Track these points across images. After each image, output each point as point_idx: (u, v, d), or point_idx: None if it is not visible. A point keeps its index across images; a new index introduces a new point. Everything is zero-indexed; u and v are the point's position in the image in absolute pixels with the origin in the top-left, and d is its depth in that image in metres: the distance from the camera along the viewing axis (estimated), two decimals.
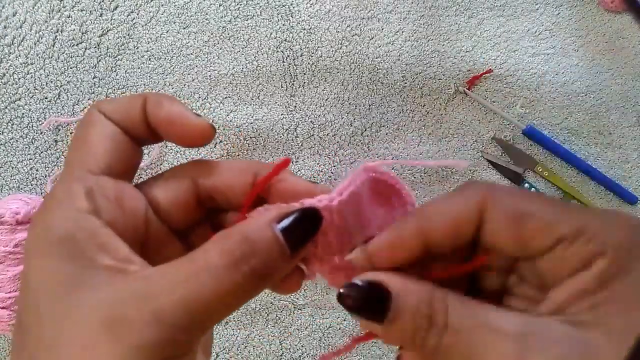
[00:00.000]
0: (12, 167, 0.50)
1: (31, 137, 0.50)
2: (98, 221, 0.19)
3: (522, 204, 0.19)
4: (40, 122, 0.50)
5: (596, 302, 0.18)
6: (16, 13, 0.50)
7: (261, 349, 0.52)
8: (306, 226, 0.20)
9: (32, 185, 0.50)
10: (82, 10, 0.51)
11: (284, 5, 0.53)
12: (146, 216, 0.22)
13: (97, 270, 0.18)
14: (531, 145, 0.55)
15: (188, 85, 0.51)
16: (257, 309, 0.52)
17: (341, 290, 0.20)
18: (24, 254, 0.20)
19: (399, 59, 0.53)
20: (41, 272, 0.18)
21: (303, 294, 0.52)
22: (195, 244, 0.21)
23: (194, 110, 0.22)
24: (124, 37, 0.51)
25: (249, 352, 0.52)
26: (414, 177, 0.54)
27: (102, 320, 0.17)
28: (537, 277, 0.20)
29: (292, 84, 0.52)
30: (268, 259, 0.19)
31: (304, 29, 0.53)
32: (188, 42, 0.52)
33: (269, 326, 0.52)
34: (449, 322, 0.19)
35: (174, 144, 0.51)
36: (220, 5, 0.52)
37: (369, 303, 0.20)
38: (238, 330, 0.52)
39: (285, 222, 0.20)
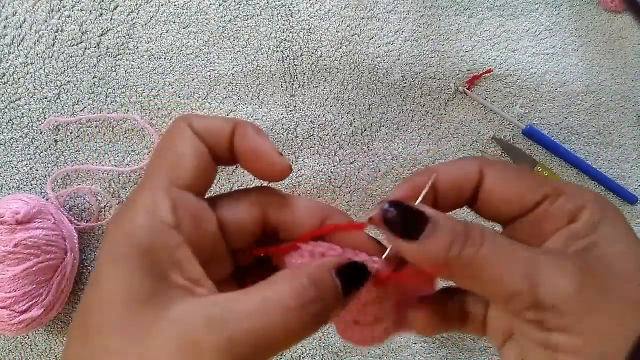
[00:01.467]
0: (12, 167, 0.50)
1: (31, 137, 0.50)
2: (179, 237, 0.20)
3: (514, 171, 0.23)
4: (40, 122, 0.50)
5: (591, 242, 0.21)
6: (16, 13, 0.50)
7: None
8: (358, 277, 0.22)
9: (32, 185, 0.50)
10: (82, 10, 0.51)
11: (284, 5, 0.53)
12: (215, 237, 0.22)
13: (171, 289, 0.19)
14: (531, 145, 0.55)
15: (188, 85, 0.51)
16: None
17: (385, 207, 0.22)
18: (99, 254, 0.20)
19: (399, 59, 0.53)
20: (116, 278, 0.18)
21: None
22: (241, 265, 0.24)
23: (278, 150, 0.23)
24: (124, 37, 0.51)
25: None
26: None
27: (179, 343, 0.17)
28: (531, 235, 0.23)
29: (292, 84, 0.52)
30: (330, 304, 0.20)
31: (304, 29, 0.53)
32: (188, 42, 0.52)
33: None
34: (486, 235, 0.21)
35: None
36: (220, 5, 0.52)
37: (409, 220, 0.21)
38: None
39: (343, 271, 0.21)
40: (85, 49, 0.50)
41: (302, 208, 0.24)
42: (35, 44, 0.50)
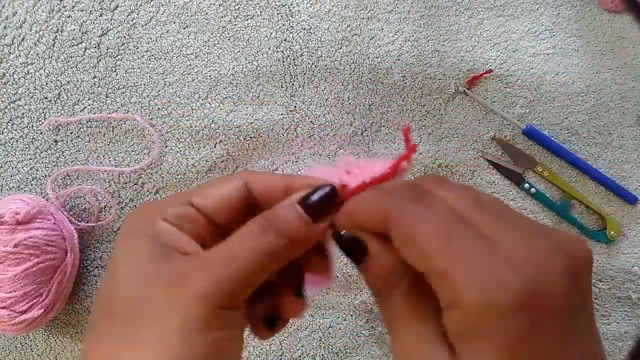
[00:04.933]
0: (12, 167, 0.50)
1: (31, 137, 0.50)
2: (180, 232, 0.25)
3: (411, 229, 0.21)
4: (40, 122, 0.50)
5: (456, 345, 0.20)
6: (16, 13, 0.50)
7: (261, 349, 0.52)
8: (323, 198, 0.25)
9: (32, 185, 0.50)
10: (82, 10, 0.51)
11: (284, 5, 0.53)
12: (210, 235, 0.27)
13: (174, 253, 0.24)
14: (531, 145, 0.55)
15: (188, 85, 0.51)
16: None
17: (341, 233, 0.25)
18: (119, 234, 0.25)
19: (399, 59, 0.53)
20: (134, 247, 0.24)
21: None
22: None
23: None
24: (124, 37, 0.51)
25: (249, 352, 0.52)
26: (414, 178, 0.54)
27: (170, 280, 0.22)
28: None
29: (292, 84, 0.52)
30: (291, 224, 0.23)
31: (304, 29, 0.53)
32: (188, 42, 0.52)
33: None
34: (391, 297, 0.23)
35: (173, 144, 0.51)
36: (220, 5, 0.52)
37: (351, 251, 0.25)
38: None
39: (306, 199, 0.24)
40: (85, 49, 0.50)
41: (273, 177, 0.27)
42: (35, 44, 0.50)
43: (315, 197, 0.24)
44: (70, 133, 0.50)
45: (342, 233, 0.25)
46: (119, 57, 0.51)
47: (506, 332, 0.18)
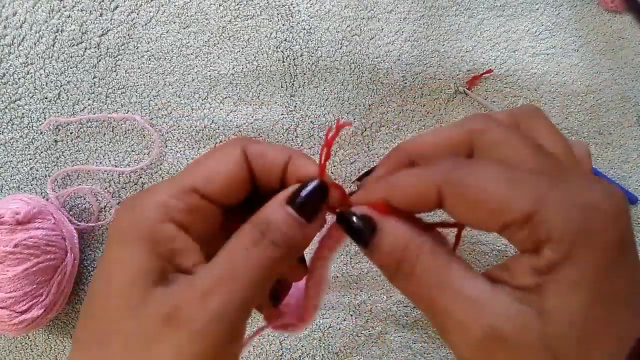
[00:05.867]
0: (12, 167, 0.50)
1: (31, 137, 0.50)
2: (181, 232, 0.22)
3: (476, 185, 0.20)
4: (40, 122, 0.50)
5: (542, 283, 0.19)
6: (16, 13, 0.50)
7: (261, 349, 0.52)
8: (314, 194, 0.23)
9: (32, 185, 0.50)
10: (82, 10, 0.51)
11: (284, 5, 0.53)
12: (215, 225, 0.24)
13: (170, 271, 0.21)
14: None
15: (188, 85, 0.51)
16: None
17: (347, 212, 0.23)
18: (108, 239, 0.22)
19: (399, 59, 0.53)
20: (124, 260, 0.21)
21: None
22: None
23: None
24: (124, 37, 0.51)
25: (249, 352, 0.52)
26: None
27: (165, 312, 0.20)
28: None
29: (292, 84, 0.52)
30: (285, 230, 0.22)
31: (304, 29, 0.53)
32: (188, 42, 0.52)
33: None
34: (415, 272, 0.21)
35: (173, 144, 0.51)
36: (220, 5, 0.52)
37: (357, 230, 0.23)
38: None
39: (295, 197, 0.22)
40: (85, 49, 0.50)
41: (272, 151, 0.24)
42: (35, 44, 0.50)
43: (304, 194, 0.22)
44: (70, 133, 0.50)
45: (348, 212, 0.23)
46: (119, 57, 0.51)
47: (602, 251, 0.18)
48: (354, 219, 0.23)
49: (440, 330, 0.21)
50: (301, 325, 0.26)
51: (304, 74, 0.53)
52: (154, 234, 0.21)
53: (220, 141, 0.52)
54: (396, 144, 0.53)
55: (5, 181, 0.50)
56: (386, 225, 0.22)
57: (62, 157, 0.50)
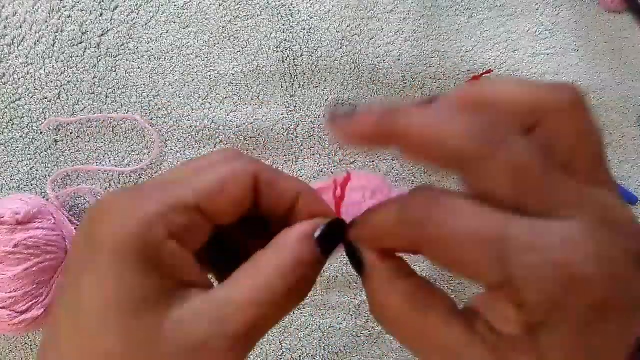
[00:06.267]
0: (12, 167, 0.50)
1: (31, 137, 0.50)
2: (174, 244, 0.19)
3: (449, 240, 0.18)
4: (40, 122, 0.50)
5: (519, 340, 0.18)
6: (16, 13, 0.50)
7: (261, 348, 0.52)
8: (337, 234, 0.22)
9: (32, 185, 0.50)
10: (82, 10, 0.51)
11: (284, 5, 0.53)
12: (206, 237, 0.22)
13: (168, 290, 0.19)
14: None
15: (188, 85, 0.51)
16: None
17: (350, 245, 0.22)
18: (78, 253, 0.19)
19: (399, 59, 0.53)
20: (108, 279, 0.17)
21: None
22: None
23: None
24: (124, 37, 0.51)
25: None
26: (414, 177, 0.54)
27: (186, 345, 0.17)
28: None
29: (292, 84, 0.52)
30: (315, 271, 0.21)
31: (304, 29, 0.53)
32: (188, 42, 0.52)
33: None
34: (393, 315, 0.20)
35: (173, 144, 0.51)
36: (220, 5, 0.52)
37: (353, 262, 0.22)
38: None
39: (323, 235, 0.22)
40: (85, 49, 0.50)
41: (284, 183, 0.23)
42: (35, 44, 0.50)
43: (328, 233, 0.22)
44: (70, 133, 0.50)
45: (355, 246, 0.22)
46: (119, 57, 0.51)
47: (576, 317, 0.17)
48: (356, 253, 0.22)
49: None
50: None
51: (304, 74, 0.53)
52: (154, 249, 0.18)
53: (220, 141, 0.52)
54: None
55: (5, 181, 0.50)
56: (369, 262, 0.21)
57: (62, 157, 0.50)
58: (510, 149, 0.17)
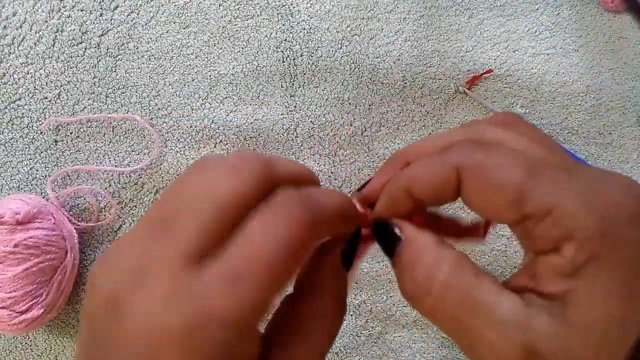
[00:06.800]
0: (12, 167, 0.50)
1: (31, 137, 0.50)
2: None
3: (495, 173, 0.19)
4: (40, 122, 0.50)
5: (570, 289, 0.17)
6: (16, 13, 0.50)
7: None
8: (354, 245, 0.23)
9: (32, 185, 0.50)
10: (82, 10, 0.51)
11: (284, 5, 0.53)
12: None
13: None
14: None
15: (188, 85, 0.51)
16: None
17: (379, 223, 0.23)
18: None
19: (399, 59, 0.53)
20: None
21: None
22: None
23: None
24: (124, 37, 0.51)
25: None
26: None
27: None
28: (526, 242, 0.20)
29: (292, 84, 0.52)
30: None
31: (304, 29, 0.53)
32: (188, 42, 0.52)
33: None
34: (438, 288, 0.19)
35: (173, 144, 0.51)
36: (220, 5, 0.52)
37: (383, 239, 0.22)
38: None
39: (345, 254, 0.22)
40: (85, 49, 0.50)
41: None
42: (35, 44, 0.50)
43: (349, 248, 0.22)
44: (70, 133, 0.50)
45: (384, 223, 0.22)
46: (119, 57, 0.51)
47: (629, 253, 0.17)
48: (390, 229, 0.22)
49: (470, 353, 0.19)
50: None
51: (304, 74, 0.53)
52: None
53: (220, 141, 0.52)
54: (396, 145, 0.53)
55: (5, 181, 0.50)
56: (409, 233, 0.21)
57: (62, 157, 0.50)
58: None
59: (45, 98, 0.50)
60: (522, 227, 0.19)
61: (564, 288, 0.17)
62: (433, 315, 0.19)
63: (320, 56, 0.53)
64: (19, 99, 0.50)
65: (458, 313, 0.18)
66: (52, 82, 0.50)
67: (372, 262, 0.52)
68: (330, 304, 0.20)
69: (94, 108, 0.50)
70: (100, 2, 0.51)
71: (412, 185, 0.21)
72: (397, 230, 0.21)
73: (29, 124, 0.50)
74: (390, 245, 0.21)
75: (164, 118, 0.51)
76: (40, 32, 0.50)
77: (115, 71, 0.51)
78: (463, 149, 0.20)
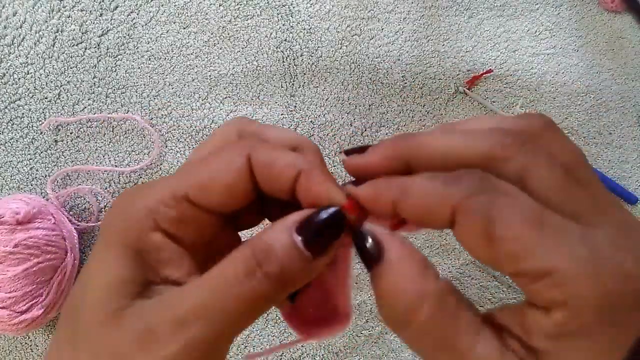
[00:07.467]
0: (12, 167, 0.50)
1: (31, 137, 0.50)
2: (168, 242, 0.20)
3: (495, 225, 0.17)
4: (40, 122, 0.50)
5: (552, 350, 0.17)
6: (16, 13, 0.50)
7: (261, 348, 0.52)
8: (329, 225, 0.20)
9: (32, 185, 0.50)
10: (82, 10, 0.51)
11: (284, 5, 0.53)
12: (209, 236, 0.22)
13: (153, 282, 0.20)
14: None
15: (188, 85, 0.51)
16: None
17: (359, 232, 0.20)
18: (96, 243, 0.21)
19: (399, 59, 0.53)
20: (106, 269, 0.19)
21: None
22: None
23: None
24: (124, 37, 0.51)
25: (249, 352, 0.52)
26: None
27: (138, 329, 0.18)
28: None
29: (292, 84, 0.52)
30: (286, 265, 0.18)
31: (304, 29, 0.53)
32: (188, 42, 0.52)
33: (269, 326, 0.52)
34: (417, 320, 0.18)
35: (173, 144, 0.51)
36: (220, 5, 0.52)
37: (362, 252, 0.20)
38: None
39: (307, 225, 0.19)
40: (85, 49, 0.50)
41: (282, 161, 0.21)
42: (35, 44, 0.50)
43: (318, 224, 0.19)
44: (70, 133, 0.50)
45: (363, 233, 0.20)
46: (119, 57, 0.51)
47: (624, 327, 0.16)
48: (367, 243, 0.20)
49: None
50: (338, 327, 0.23)
51: (304, 74, 0.53)
52: (140, 242, 0.19)
53: None
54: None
55: (5, 181, 0.50)
56: (393, 256, 0.19)
57: (62, 157, 0.50)
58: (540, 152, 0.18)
59: (45, 98, 0.50)
60: (516, 279, 0.18)
61: (546, 347, 0.17)
62: (409, 345, 0.19)
63: (320, 56, 0.53)
64: (19, 99, 0.50)
65: (433, 353, 0.18)
66: (52, 82, 0.50)
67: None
68: (239, 267, 0.19)
69: (94, 108, 0.50)
70: (100, 2, 0.51)
71: (401, 203, 0.19)
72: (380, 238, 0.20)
73: (29, 124, 0.50)
74: (370, 261, 0.19)
75: (164, 118, 0.51)
76: (40, 32, 0.50)
77: (115, 71, 0.51)
78: (468, 187, 0.18)
